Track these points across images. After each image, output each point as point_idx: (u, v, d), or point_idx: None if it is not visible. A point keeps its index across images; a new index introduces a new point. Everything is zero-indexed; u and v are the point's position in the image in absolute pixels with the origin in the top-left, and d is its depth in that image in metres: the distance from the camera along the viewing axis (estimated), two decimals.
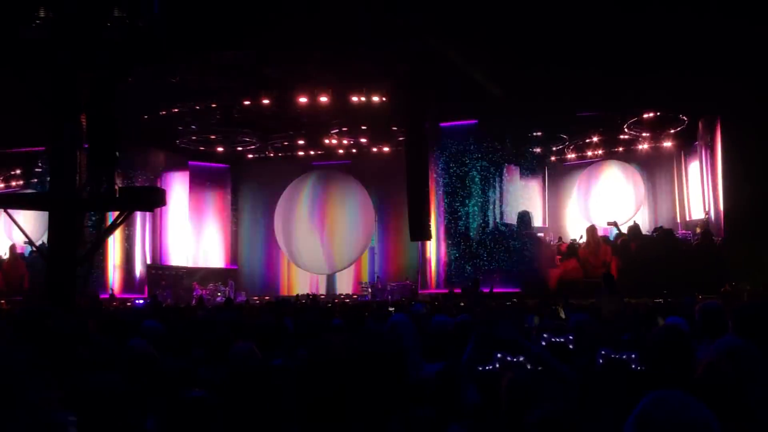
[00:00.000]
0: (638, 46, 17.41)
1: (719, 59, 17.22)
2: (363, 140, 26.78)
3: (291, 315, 8.97)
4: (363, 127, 25.13)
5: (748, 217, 19.25)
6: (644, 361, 3.50)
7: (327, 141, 26.96)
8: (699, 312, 4.68)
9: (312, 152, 28.31)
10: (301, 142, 27.19)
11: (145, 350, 3.77)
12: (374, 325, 4.29)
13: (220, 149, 27.59)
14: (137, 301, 21.83)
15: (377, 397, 2.30)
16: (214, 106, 23.03)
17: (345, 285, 28.75)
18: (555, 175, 28.10)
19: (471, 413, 3.15)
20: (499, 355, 3.07)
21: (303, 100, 22.22)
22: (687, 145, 24.81)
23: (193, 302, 22.74)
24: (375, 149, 27.47)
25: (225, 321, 6.14)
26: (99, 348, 3.82)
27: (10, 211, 14.16)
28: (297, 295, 25.95)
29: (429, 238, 22.05)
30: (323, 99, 22.11)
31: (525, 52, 17.81)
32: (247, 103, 22.65)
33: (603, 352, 3.66)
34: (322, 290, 28.17)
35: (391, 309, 12.54)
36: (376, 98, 21.92)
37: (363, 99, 22.00)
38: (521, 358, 3.07)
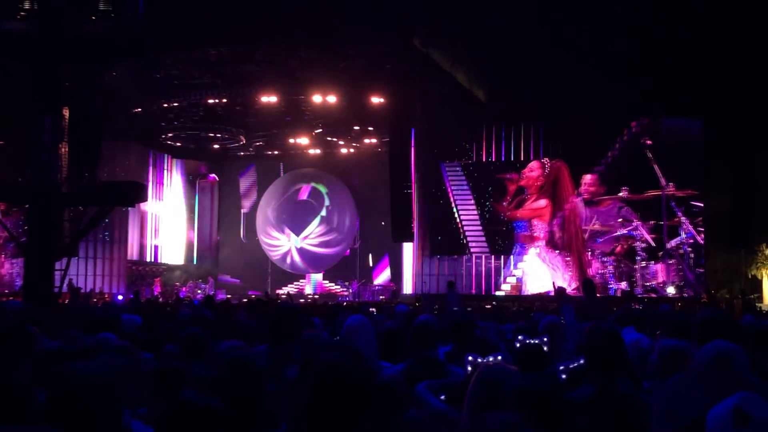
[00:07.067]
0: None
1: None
2: (348, 140, 26.71)
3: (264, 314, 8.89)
4: (349, 127, 25.06)
5: (726, 227, 19.38)
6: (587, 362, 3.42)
7: (311, 140, 26.86)
8: (697, 325, 3.74)
9: (295, 151, 28.18)
10: (285, 140, 27.07)
11: (118, 345, 3.74)
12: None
13: (202, 146, 27.41)
14: (117, 297, 21.64)
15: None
16: (197, 102, 22.93)
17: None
18: None
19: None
20: (470, 357, 3.05)
21: (288, 98, 22.17)
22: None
23: (172, 299, 22.58)
24: (360, 149, 27.39)
25: (202, 318, 6.11)
26: (74, 342, 3.80)
27: None
28: (267, 292, 25.86)
29: (410, 239, 22.07)
30: (309, 98, 22.08)
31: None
32: (230, 100, 22.58)
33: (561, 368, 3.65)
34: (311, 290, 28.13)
35: (372, 309, 12.47)
36: (360, 98, 21.91)
37: (347, 99, 21.98)
38: (491, 359, 3.06)
